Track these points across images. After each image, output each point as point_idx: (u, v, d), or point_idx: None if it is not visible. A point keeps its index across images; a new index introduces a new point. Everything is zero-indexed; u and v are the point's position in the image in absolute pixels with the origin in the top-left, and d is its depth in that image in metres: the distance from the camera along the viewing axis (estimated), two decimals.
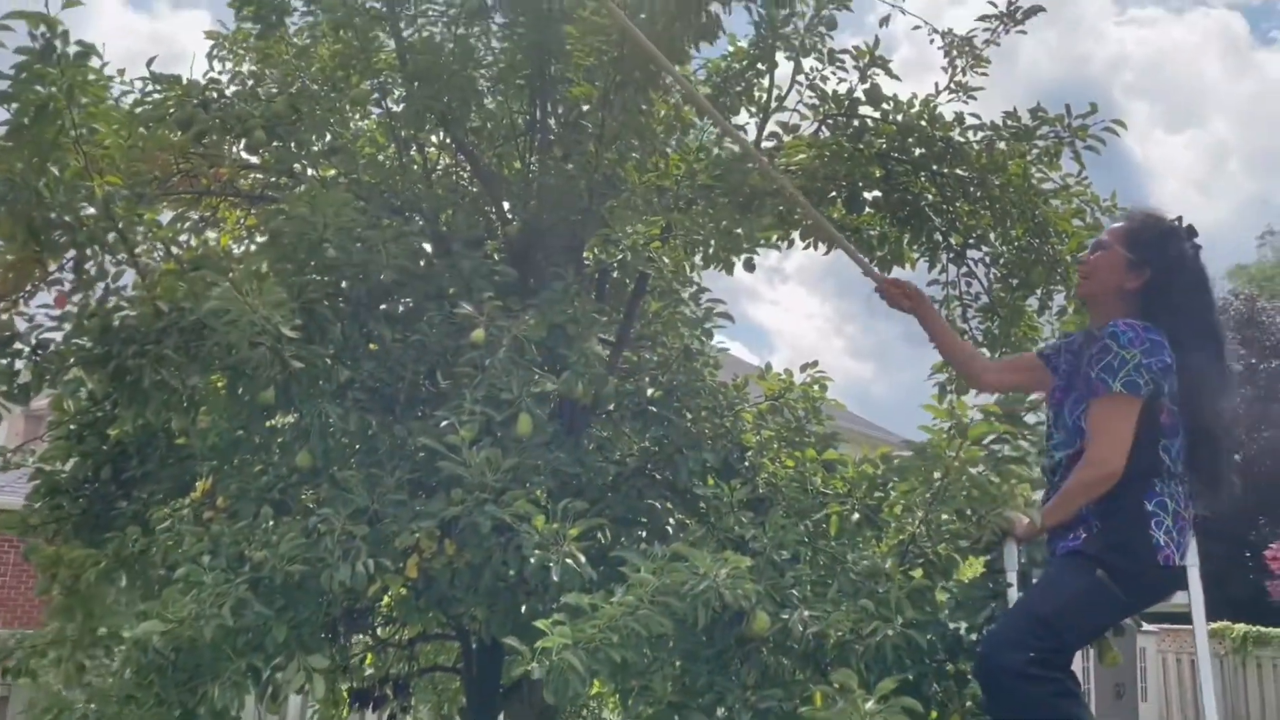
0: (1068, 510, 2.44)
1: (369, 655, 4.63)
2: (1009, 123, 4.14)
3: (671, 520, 3.72)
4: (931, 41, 4.53)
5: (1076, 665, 2.53)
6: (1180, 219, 2.68)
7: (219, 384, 3.54)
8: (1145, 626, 11.34)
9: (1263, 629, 11.62)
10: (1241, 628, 11.59)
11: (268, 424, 3.51)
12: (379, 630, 4.47)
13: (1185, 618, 2.51)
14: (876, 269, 3.71)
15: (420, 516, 3.06)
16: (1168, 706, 11.60)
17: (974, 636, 2.69)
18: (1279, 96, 48.36)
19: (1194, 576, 2.48)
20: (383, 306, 3.58)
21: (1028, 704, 2.27)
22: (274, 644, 2.92)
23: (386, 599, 3.85)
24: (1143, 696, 10.81)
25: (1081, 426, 2.49)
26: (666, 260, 3.97)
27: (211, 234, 4.28)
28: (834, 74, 4.46)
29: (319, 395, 3.25)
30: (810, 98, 4.50)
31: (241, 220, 4.17)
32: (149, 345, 3.20)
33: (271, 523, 3.09)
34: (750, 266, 4.11)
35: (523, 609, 3.24)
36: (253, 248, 4.00)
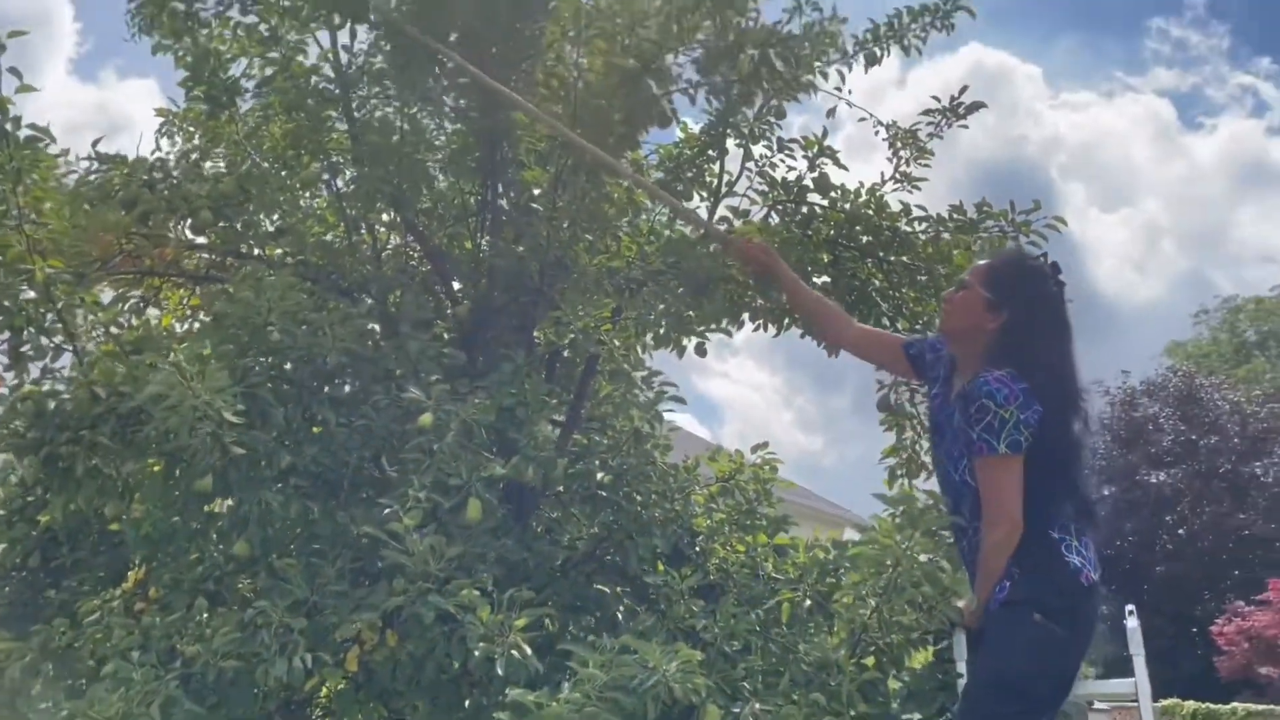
0: (995, 576, 2.50)
1: None
2: (954, 215, 4.24)
3: (621, 608, 3.65)
4: (876, 133, 4.66)
5: None
6: (1045, 256, 2.77)
7: (155, 468, 3.44)
8: (1098, 704, 11.34)
9: (1213, 706, 11.68)
10: (1191, 705, 11.64)
11: (205, 510, 3.41)
12: None
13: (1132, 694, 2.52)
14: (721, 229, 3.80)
15: (361, 607, 2.97)
16: None
17: None
18: (1207, 179, 50.53)
19: (1139, 665, 2.50)
20: (327, 390, 3.52)
21: None
22: None
23: (325, 691, 3.72)
24: None
25: (969, 481, 2.58)
26: (617, 343, 3.97)
27: (154, 312, 4.20)
28: (783, 161, 4.56)
29: (259, 481, 3.17)
30: (760, 184, 4.59)
31: (185, 300, 4.10)
32: (84, 430, 3.10)
33: (206, 615, 2.98)
34: (701, 351, 4.12)
35: (466, 703, 3.15)
36: (195, 327, 3.93)
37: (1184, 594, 17.96)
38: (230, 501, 3.41)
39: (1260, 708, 11.64)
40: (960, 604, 2.62)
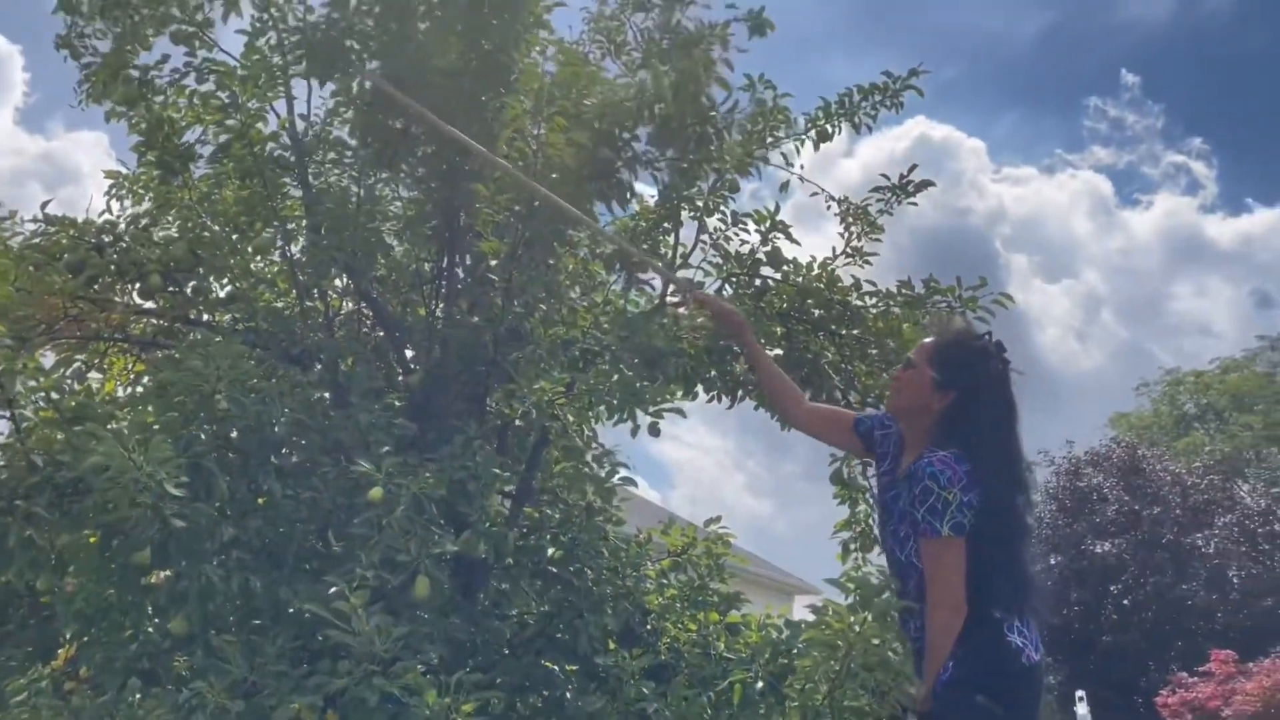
0: (941, 657, 2.51)
1: None
2: (903, 291, 4.31)
3: (570, 688, 3.58)
4: (828, 207, 4.74)
5: None
6: (989, 335, 2.82)
7: (91, 539, 3.33)
8: None
9: None
10: None
11: (141, 584, 3.30)
12: None
13: None
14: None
15: (302, 688, 2.88)
16: None
17: None
18: (1144, 253, 52.33)
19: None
20: (274, 460, 3.44)
21: None
22: None
23: None
24: None
25: (915, 563, 2.61)
26: (570, 416, 3.95)
27: (96, 376, 4.10)
28: (736, 235, 4.63)
29: (200, 554, 3.07)
30: (714, 256, 4.64)
31: (130, 367, 4.02)
32: (18, 500, 3.00)
33: (139, 696, 2.86)
34: (655, 431, 4.12)
35: None
36: (140, 393, 3.84)
37: (1129, 664, 18.06)
38: (168, 574, 3.30)
39: None
40: (911, 690, 2.61)
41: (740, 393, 4.96)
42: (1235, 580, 19.62)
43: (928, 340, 2.85)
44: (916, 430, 2.72)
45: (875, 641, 2.58)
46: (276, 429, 3.32)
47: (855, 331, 4.52)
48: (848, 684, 2.48)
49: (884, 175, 4.64)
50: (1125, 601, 18.68)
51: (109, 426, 2.99)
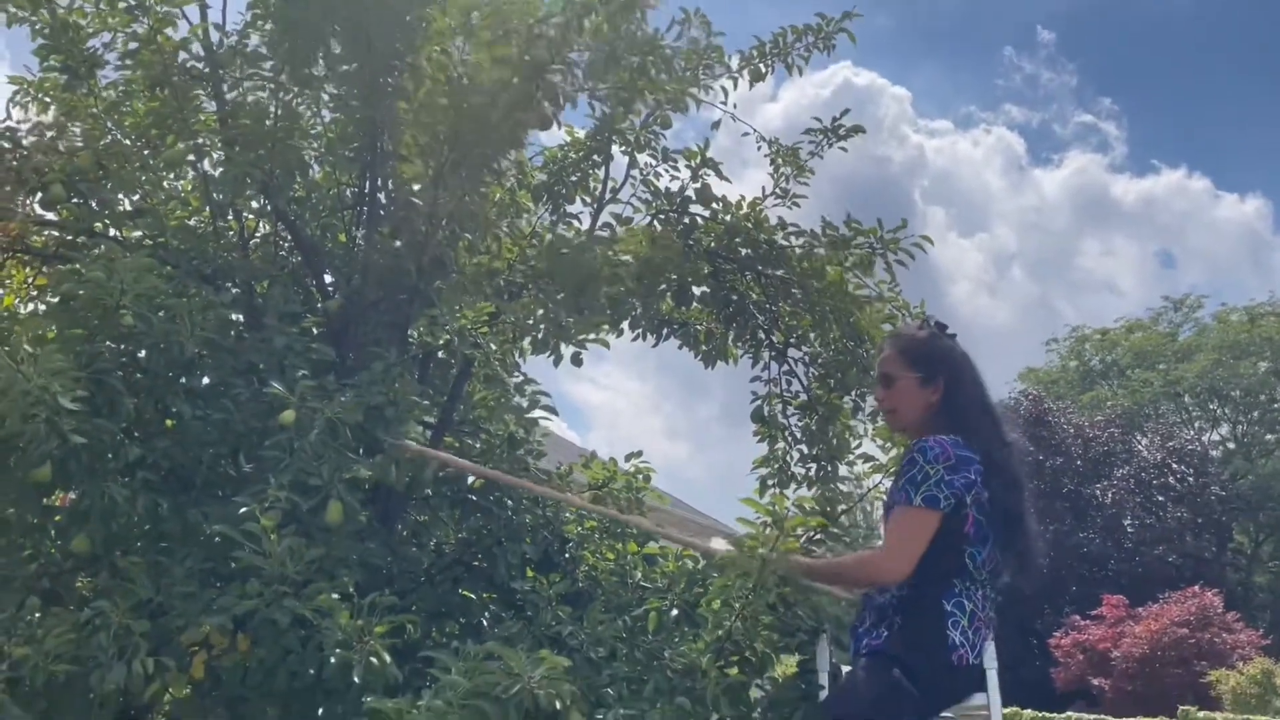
0: (843, 579, 2.50)
1: None
2: (827, 231, 4.33)
3: (486, 615, 3.58)
4: (759, 148, 4.74)
5: None
6: (928, 321, 2.85)
7: None
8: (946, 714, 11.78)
9: (1049, 715, 12.27)
10: (1029, 714, 12.20)
11: (43, 505, 3.19)
12: None
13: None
14: None
15: (211, 610, 2.82)
16: None
17: None
18: (1054, 211, 53.60)
19: (992, 679, 2.57)
20: (184, 380, 3.33)
21: None
22: None
23: (166, 699, 3.52)
24: None
25: None
26: (494, 346, 3.91)
27: None
28: (667, 171, 4.60)
29: (103, 474, 2.97)
30: (644, 193, 4.61)
31: (30, 280, 3.83)
32: None
33: (38, 615, 2.78)
34: (577, 360, 4.09)
35: (320, 711, 3.02)
36: (41, 310, 3.68)
37: (1026, 607, 18.83)
38: (73, 496, 3.20)
39: (1091, 717, 12.28)
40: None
41: (665, 330, 4.97)
42: (1130, 529, 20.56)
43: (887, 354, 2.83)
44: (923, 434, 2.65)
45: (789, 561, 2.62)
46: (186, 349, 3.21)
47: (780, 271, 4.54)
48: (757, 601, 2.52)
49: (816, 119, 4.66)
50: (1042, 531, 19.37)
51: (7, 341, 2.86)
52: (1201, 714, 11.50)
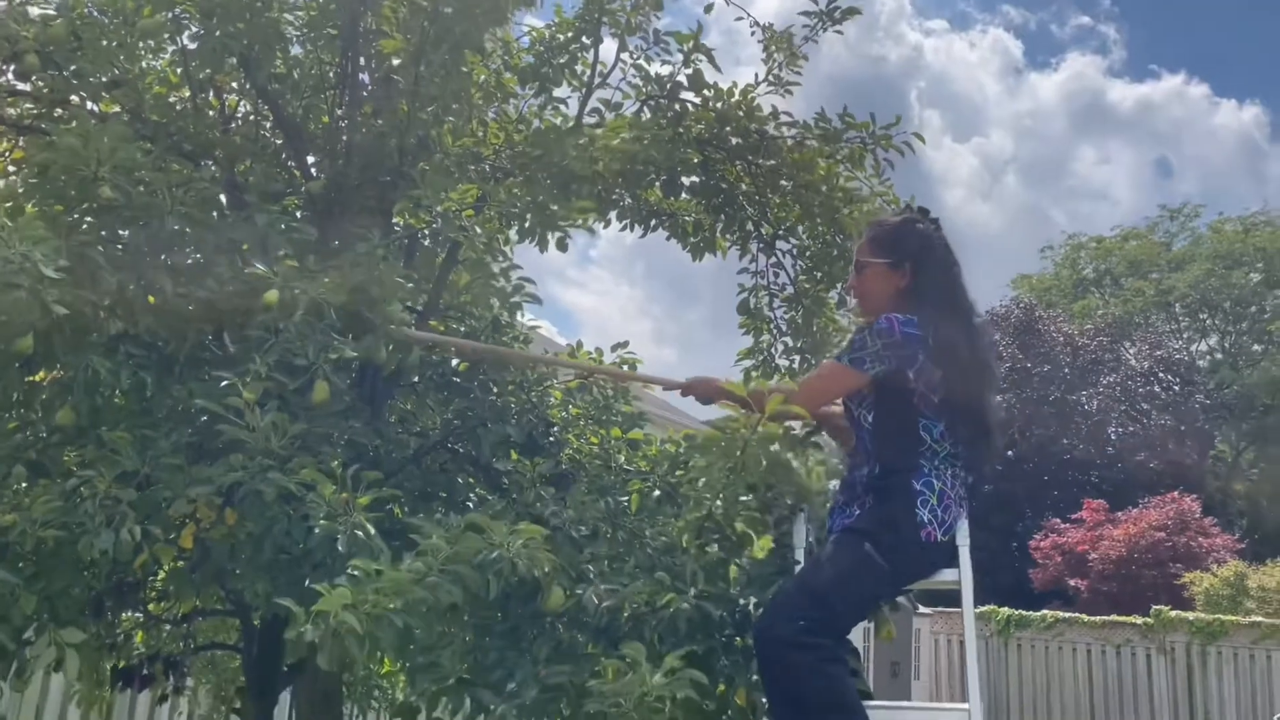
0: (757, 403, 2.56)
1: (140, 633, 4.31)
2: (819, 123, 4.27)
3: (472, 495, 3.63)
4: (752, 34, 4.63)
5: (860, 645, 2.64)
6: (910, 205, 2.86)
7: None
8: (921, 609, 12.09)
9: (1024, 612, 12.60)
10: (1005, 611, 12.53)
11: (26, 380, 3.18)
12: (152, 606, 4.16)
13: (957, 599, 2.65)
14: None
15: (198, 482, 2.85)
16: (938, 683, 12.42)
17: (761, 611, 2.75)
18: (1049, 116, 52.82)
19: (964, 555, 2.62)
20: (165, 257, 3.30)
21: (795, 669, 2.40)
22: (20, 616, 2.65)
23: (161, 573, 3.59)
24: (916, 675, 11.51)
25: (862, 422, 2.66)
26: (479, 230, 3.86)
27: None
28: (658, 55, 4.49)
29: (87, 347, 2.96)
30: (633, 78, 4.51)
31: (6, 153, 3.76)
32: None
33: (25, 484, 2.80)
34: (563, 246, 4.05)
35: (307, 583, 3.07)
36: (18, 185, 3.62)
37: (1009, 511, 19.21)
38: (58, 374, 3.19)
39: (1066, 615, 12.63)
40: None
41: (654, 222, 4.92)
42: (1113, 436, 20.84)
43: (861, 242, 2.84)
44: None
45: (771, 446, 2.65)
46: (167, 224, 3.17)
47: (771, 162, 4.48)
48: (737, 482, 2.56)
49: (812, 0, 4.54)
50: (1010, 453, 19.70)
51: None
52: (1174, 613, 11.82)
